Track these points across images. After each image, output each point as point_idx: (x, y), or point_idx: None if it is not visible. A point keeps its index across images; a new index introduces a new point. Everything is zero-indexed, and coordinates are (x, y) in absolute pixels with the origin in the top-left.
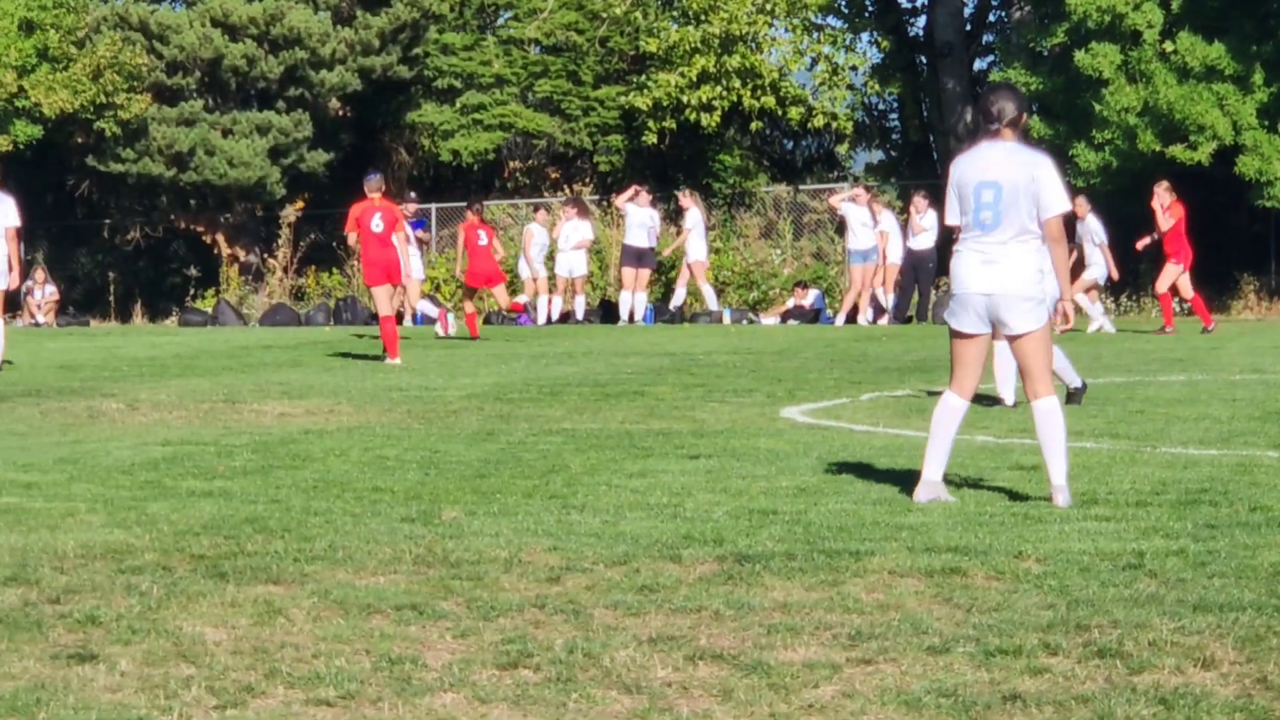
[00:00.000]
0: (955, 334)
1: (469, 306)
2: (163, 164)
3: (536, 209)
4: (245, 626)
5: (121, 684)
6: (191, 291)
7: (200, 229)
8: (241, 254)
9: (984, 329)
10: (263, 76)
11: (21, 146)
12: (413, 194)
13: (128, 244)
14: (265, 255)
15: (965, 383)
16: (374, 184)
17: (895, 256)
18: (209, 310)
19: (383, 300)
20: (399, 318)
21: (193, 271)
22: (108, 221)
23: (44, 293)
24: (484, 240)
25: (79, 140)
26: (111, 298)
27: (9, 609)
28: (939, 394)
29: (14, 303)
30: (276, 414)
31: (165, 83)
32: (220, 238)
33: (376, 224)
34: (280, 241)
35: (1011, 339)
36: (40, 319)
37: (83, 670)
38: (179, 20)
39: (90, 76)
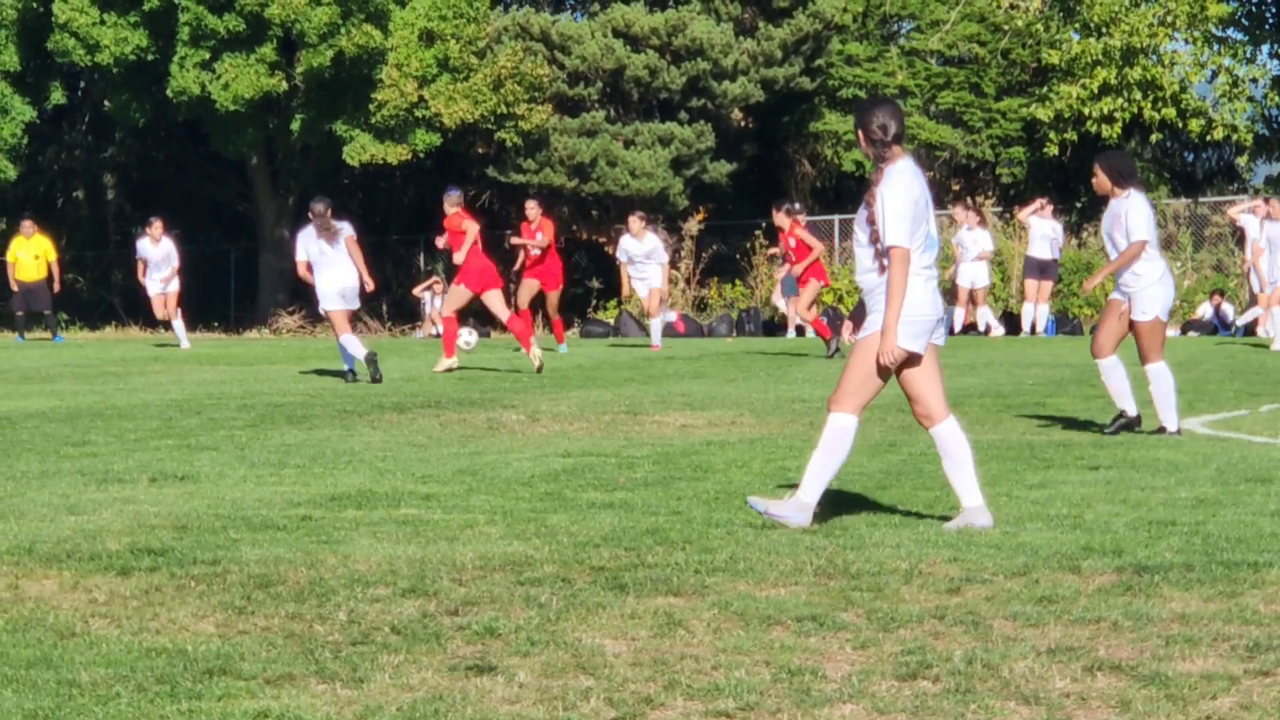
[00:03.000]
0: None
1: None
2: (564, 174)
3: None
4: (645, 638)
5: (520, 695)
6: (593, 302)
7: (602, 240)
8: None
9: None
10: (665, 87)
11: (421, 155)
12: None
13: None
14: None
15: None
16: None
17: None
18: (611, 321)
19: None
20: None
21: (595, 283)
22: (509, 232)
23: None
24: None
25: (480, 151)
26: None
27: (408, 620)
28: None
29: (413, 313)
30: (678, 425)
31: (566, 93)
32: None
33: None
34: (683, 252)
35: None
36: (439, 330)
37: (481, 682)
38: (580, 31)
39: (491, 87)
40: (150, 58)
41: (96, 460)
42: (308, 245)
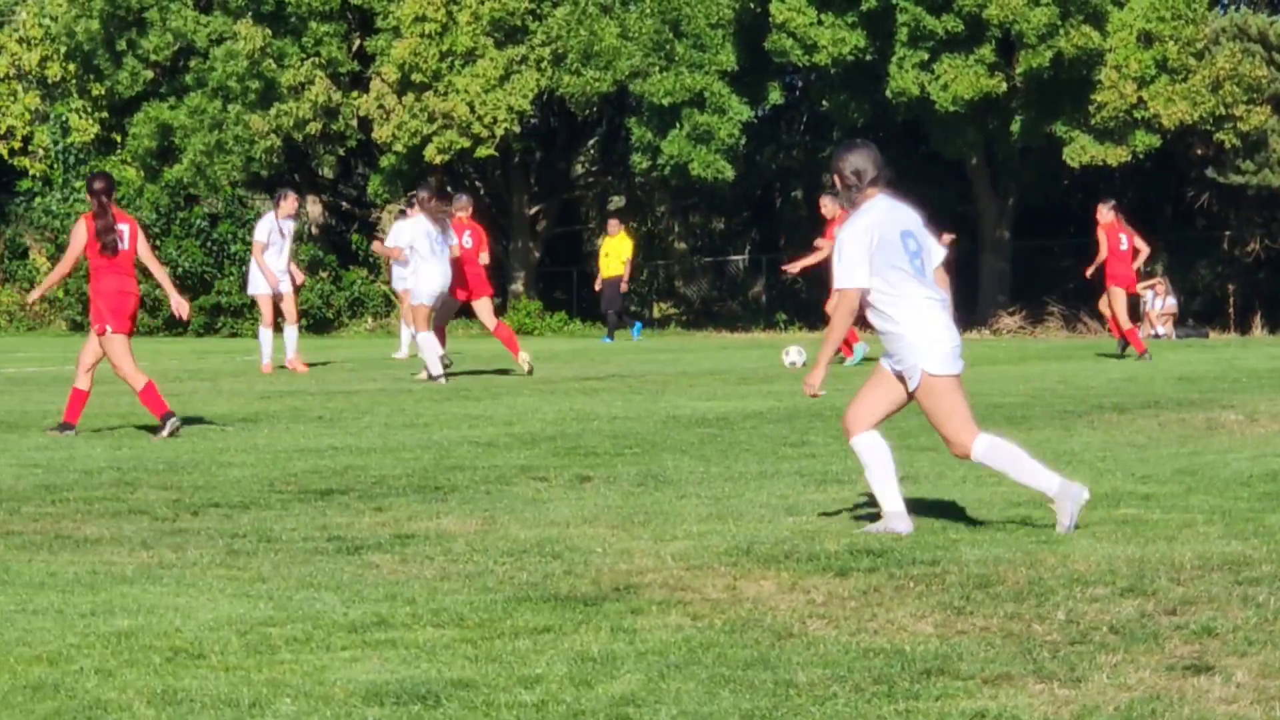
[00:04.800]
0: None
1: None
2: None
3: None
4: None
5: (1237, 695)
6: None
7: None
8: None
9: None
10: None
11: (1140, 157)
12: None
13: (1247, 255)
14: None
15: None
16: None
17: None
18: None
19: None
20: None
21: None
22: (1227, 233)
23: (1163, 304)
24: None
25: (1198, 152)
26: (1230, 309)
27: (1126, 620)
28: None
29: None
30: None
31: None
32: None
33: None
34: None
35: None
36: (1159, 330)
37: (1198, 681)
38: None
39: (1209, 88)
40: (868, 58)
41: (815, 461)
42: (421, 231)
